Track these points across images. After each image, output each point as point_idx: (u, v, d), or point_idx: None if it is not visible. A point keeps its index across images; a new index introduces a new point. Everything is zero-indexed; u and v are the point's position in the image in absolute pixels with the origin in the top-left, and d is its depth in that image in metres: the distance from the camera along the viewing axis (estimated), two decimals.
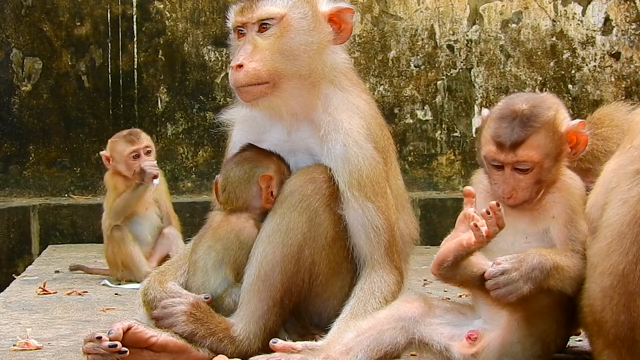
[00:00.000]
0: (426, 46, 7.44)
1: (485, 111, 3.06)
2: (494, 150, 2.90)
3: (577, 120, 2.97)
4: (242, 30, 3.24)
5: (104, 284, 5.00)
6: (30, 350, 3.40)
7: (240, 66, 3.15)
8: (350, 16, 3.25)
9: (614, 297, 2.69)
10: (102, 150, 5.30)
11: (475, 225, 2.71)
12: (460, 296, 3.97)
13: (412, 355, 3.09)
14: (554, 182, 2.96)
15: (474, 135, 7.26)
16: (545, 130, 2.89)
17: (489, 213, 2.71)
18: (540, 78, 7.45)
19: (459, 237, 2.78)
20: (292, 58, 3.17)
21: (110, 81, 7.33)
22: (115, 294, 4.68)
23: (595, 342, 2.81)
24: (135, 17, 7.33)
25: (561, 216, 2.94)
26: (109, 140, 5.31)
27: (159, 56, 7.35)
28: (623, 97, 7.28)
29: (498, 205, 2.71)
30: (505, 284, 2.76)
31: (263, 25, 3.19)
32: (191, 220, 5.94)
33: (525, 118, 2.89)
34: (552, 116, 2.92)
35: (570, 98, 7.43)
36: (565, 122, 2.96)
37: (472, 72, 7.46)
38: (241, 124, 3.43)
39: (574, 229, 2.91)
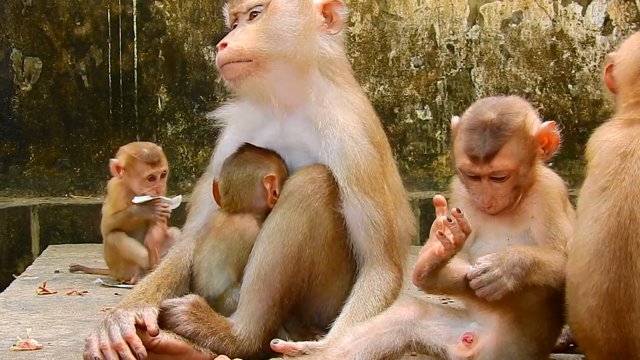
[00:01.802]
0: (426, 46, 7.44)
1: (454, 119, 3.04)
2: (469, 164, 2.91)
3: (547, 122, 2.96)
4: (236, 25, 3.32)
5: (97, 283, 4.99)
6: (30, 350, 3.39)
7: (225, 45, 3.21)
8: (340, 9, 3.31)
9: (602, 317, 2.68)
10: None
11: (441, 234, 2.72)
12: None
13: (412, 355, 3.09)
14: (531, 184, 2.97)
15: None
16: (516, 137, 2.89)
17: (450, 220, 2.71)
18: (540, 78, 7.45)
19: (432, 246, 2.78)
20: (277, 38, 3.21)
21: (110, 81, 7.33)
22: (115, 294, 4.67)
23: (590, 356, 2.81)
24: (135, 17, 7.33)
25: (540, 215, 2.94)
26: (124, 150, 5.12)
27: (159, 56, 7.35)
28: None
29: (459, 211, 2.72)
30: (489, 281, 2.75)
31: (253, 14, 3.26)
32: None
33: (496, 127, 2.88)
34: (521, 122, 2.91)
35: (570, 98, 7.44)
36: (536, 125, 2.95)
37: (472, 72, 7.46)
38: (233, 122, 3.44)
39: (553, 227, 2.91)
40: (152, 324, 2.99)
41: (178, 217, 5.42)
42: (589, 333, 2.73)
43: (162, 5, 7.34)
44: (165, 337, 3.01)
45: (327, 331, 3.08)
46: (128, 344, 2.90)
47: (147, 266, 4.94)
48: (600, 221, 2.68)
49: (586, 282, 2.70)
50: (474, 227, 2.96)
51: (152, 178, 5.04)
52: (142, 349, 2.89)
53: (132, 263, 5.02)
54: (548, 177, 3.01)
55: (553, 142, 2.96)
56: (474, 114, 2.97)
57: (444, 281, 2.82)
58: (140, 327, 2.98)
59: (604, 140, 2.78)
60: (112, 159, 5.13)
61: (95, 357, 2.89)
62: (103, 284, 4.95)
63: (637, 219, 2.64)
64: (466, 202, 3.02)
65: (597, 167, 2.75)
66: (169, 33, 7.35)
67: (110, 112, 7.33)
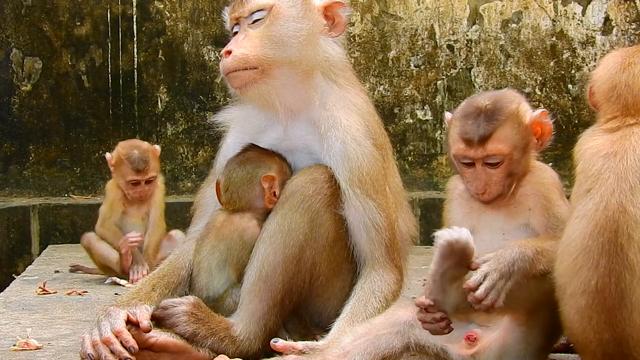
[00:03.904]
0: (426, 46, 7.44)
1: (447, 114, 3.08)
2: (463, 148, 2.92)
3: (540, 110, 3.00)
4: (237, 29, 3.29)
5: (108, 282, 5.01)
6: (30, 350, 3.39)
7: (229, 52, 3.19)
8: (343, 10, 3.30)
9: (593, 317, 2.63)
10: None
11: (422, 320, 2.77)
12: None
13: (412, 355, 3.09)
14: (524, 174, 2.98)
15: None
16: (510, 122, 2.92)
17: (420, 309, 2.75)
18: (540, 78, 7.46)
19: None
20: (282, 44, 3.19)
21: (110, 81, 7.33)
22: (115, 293, 4.67)
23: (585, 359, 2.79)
24: (135, 17, 7.33)
25: (537, 207, 2.95)
26: (118, 148, 5.18)
27: (159, 56, 7.36)
28: None
29: (427, 305, 2.74)
30: (493, 286, 2.72)
31: (255, 18, 3.24)
32: (191, 220, 5.92)
33: (490, 112, 2.92)
34: (515, 108, 2.95)
35: (570, 98, 7.44)
36: (529, 113, 2.99)
37: (472, 72, 7.46)
38: (237, 125, 3.43)
39: (552, 218, 2.91)
40: (144, 320, 2.98)
41: (179, 218, 5.45)
42: (581, 336, 2.69)
43: (162, 5, 7.34)
44: (164, 336, 3.01)
45: (327, 331, 3.08)
46: (119, 339, 2.91)
47: (119, 270, 4.99)
48: (586, 217, 2.67)
49: (574, 280, 2.66)
50: (469, 225, 2.96)
51: (135, 183, 5.06)
52: (132, 342, 2.89)
53: (107, 266, 5.07)
54: (541, 169, 3.03)
55: (546, 132, 3.00)
56: (469, 103, 3.02)
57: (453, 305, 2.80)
58: (134, 324, 2.98)
59: (587, 148, 2.81)
60: (107, 153, 5.22)
61: (88, 354, 2.90)
62: (117, 283, 4.97)
63: (627, 211, 2.62)
64: (461, 201, 3.03)
65: (581, 173, 2.78)
66: (169, 33, 7.35)
67: (110, 112, 7.33)
